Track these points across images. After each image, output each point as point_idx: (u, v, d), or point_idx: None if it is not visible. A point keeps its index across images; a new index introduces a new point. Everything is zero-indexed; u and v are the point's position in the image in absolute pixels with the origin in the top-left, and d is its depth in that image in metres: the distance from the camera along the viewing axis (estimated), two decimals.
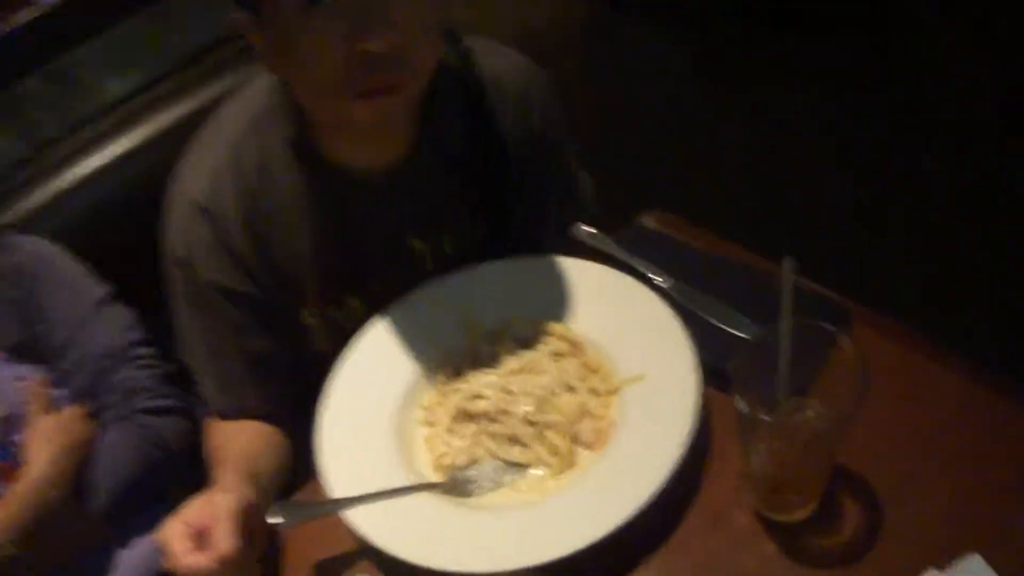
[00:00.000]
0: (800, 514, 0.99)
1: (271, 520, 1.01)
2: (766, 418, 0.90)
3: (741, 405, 0.89)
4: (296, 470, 1.30)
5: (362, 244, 1.26)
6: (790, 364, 0.90)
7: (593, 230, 1.34)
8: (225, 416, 1.36)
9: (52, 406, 1.42)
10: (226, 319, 1.31)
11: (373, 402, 1.17)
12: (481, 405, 1.14)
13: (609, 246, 1.30)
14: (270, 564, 1.09)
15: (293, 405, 1.25)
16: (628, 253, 1.27)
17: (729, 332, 1.14)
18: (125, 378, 1.50)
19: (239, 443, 1.31)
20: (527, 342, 1.20)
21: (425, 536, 1.01)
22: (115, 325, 1.53)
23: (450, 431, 1.14)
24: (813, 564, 0.96)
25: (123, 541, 1.45)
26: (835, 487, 0.99)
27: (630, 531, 0.96)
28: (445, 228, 1.30)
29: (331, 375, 1.20)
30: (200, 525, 1.02)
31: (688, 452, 1.00)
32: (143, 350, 1.54)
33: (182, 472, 1.50)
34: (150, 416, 1.50)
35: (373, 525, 1.03)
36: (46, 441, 1.37)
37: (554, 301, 1.22)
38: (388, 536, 1.01)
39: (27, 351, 1.47)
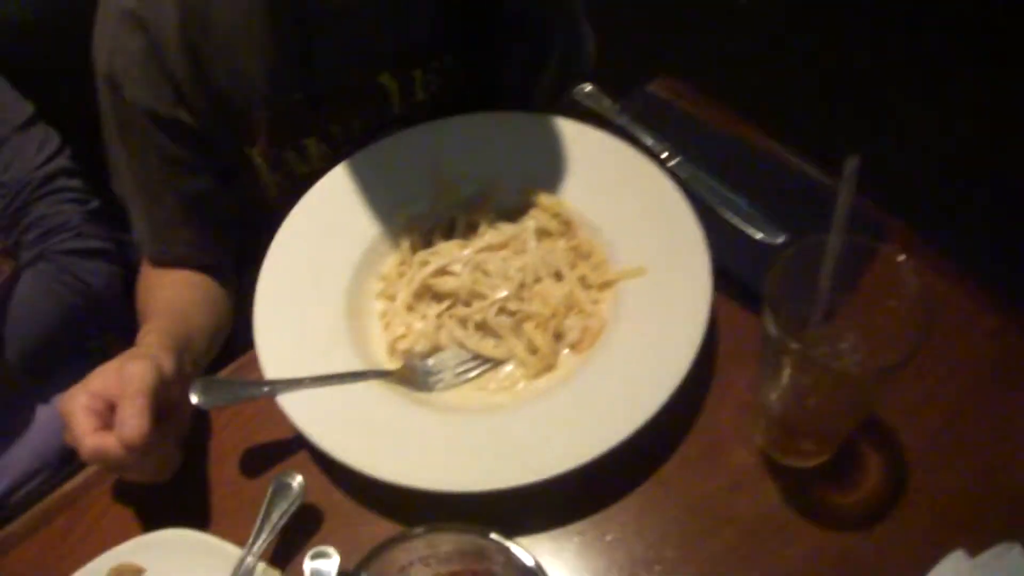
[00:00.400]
0: (812, 461, 0.87)
1: (192, 399, 0.89)
2: (797, 346, 0.73)
3: (771, 327, 0.73)
4: (238, 335, 1.15)
5: (324, 76, 1.11)
6: (831, 287, 0.75)
7: (597, 92, 1.20)
8: (157, 262, 1.22)
9: None
10: (157, 150, 1.14)
11: (322, 265, 1.03)
12: (450, 284, 1.00)
13: (614, 113, 1.16)
14: (193, 450, 0.95)
15: (239, 260, 1.10)
16: (635, 123, 1.13)
17: (745, 233, 1.01)
18: (45, 213, 1.33)
19: (167, 295, 1.16)
20: (510, 214, 1.06)
21: (371, 436, 0.89)
22: (37, 151, 1.34)
23: (410, 309, 1.01)
24: (818, 519, 0.84)
25: (44, 396, 1.33)
26: (855, 435, 0.86)
27: (612, 455, 0.84)
28: (421, 63, 1.15)
29: (278, 229, 1.04)
30: (108, 397, 0.87)
31: (691, 369, 0.86)
32: (69, 182, 1.36)
33: (113, 322, 1.37)
34: (72, 257, 1.34)
35: (311, 417, 0.90)
36: None
37: (546, 169, 1.07)
38: (328, 432, 0.89)
39: None
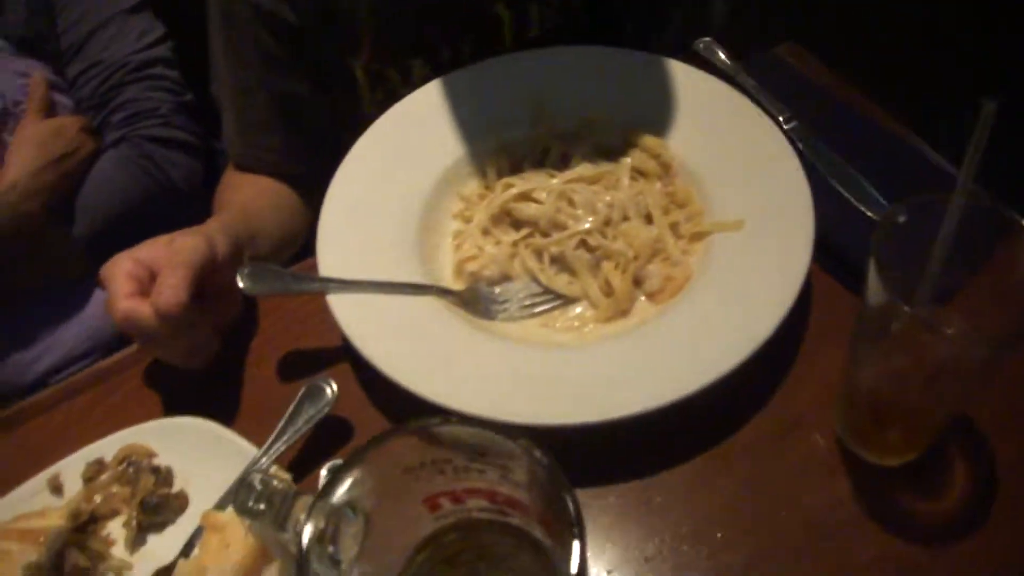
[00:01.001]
0: (895, 459, 0.78)
1: (239, 283, 0.86)
2: (907, 309, 0.65)
3: (876, 289, 0.65)
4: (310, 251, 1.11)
5: None
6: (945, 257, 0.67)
7: (716, 46, 1.14)
8: (241, 165, 1.19)
9: (50, 111, 1.26)
10: (256, 44, 1.11)
11: (401, 175, 0.99)
12: (531, 210, 0.95)
13: (733, 69, 1.11)
14: (232, 344, 0.92)
15: (325, 177, 1.04)
16: (755, 81, 1.08)
17: (856, 208, 0.94)
18: (136, 97, 1.33)
19: (242, 196, 1.14)
20: (608, 151, 1.00)
21: (420, 353, 0.84)
22: (139, 36, 1.34)
23: (486, 233, 0.96)
24: (888, 524, 0.75)
25: None
26: (947, 438, 0.78)
27: (676, 417, 0.77)
28: None
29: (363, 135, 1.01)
30: (154, 265, 0.84)
31: (775, 336, 0.79)
32: (165, 71, 1.36)
33: (186, 220, 1.29)
34: (155, 145, 1.33)
35: (360, 322, 0.85)
36: (34, 146, 1.20)
37: (653, 109, 1.02)
38: (374, 341, 0.84)
39: (37, 46, 1.30)
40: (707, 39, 1.16)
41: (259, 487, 0.60)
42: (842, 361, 0.77)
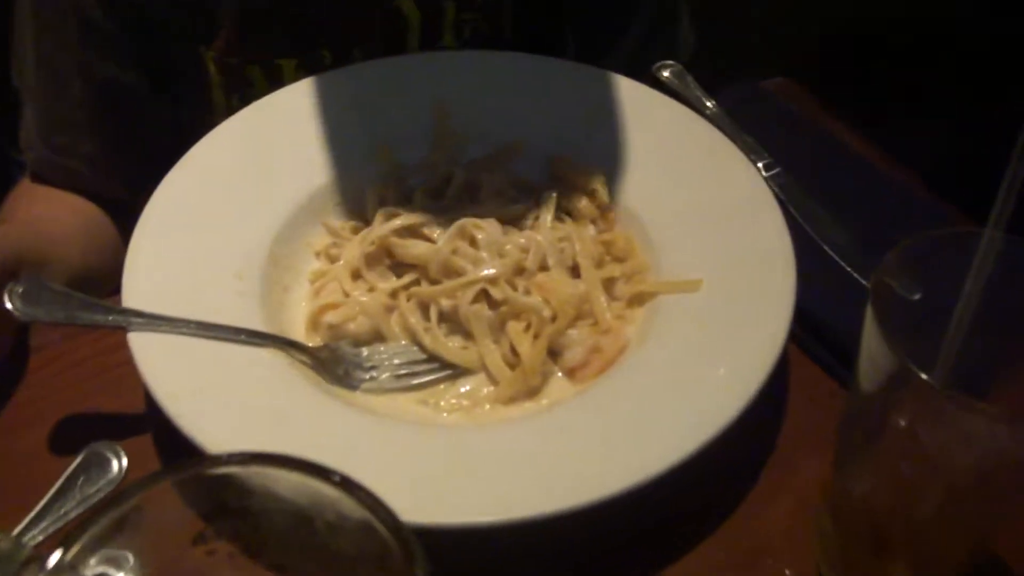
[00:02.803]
0: None
1: (6, 303, 0.81)
2: (925, 377, 0.58)
3: (876, 364, 0.61)
4: None
5: None
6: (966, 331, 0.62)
7: (683, 72, 1.14)
8: (42, 175, 1.13)
9: None
10: (78, 14, 1.06)
11: (249, 193, 0.96)
12: (419, 249, 0.91)
13: (702, 99, 1.10)
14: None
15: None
16: (729, 117, 1.07)
17: (849, 277, 0.93)
18: None
19: (36, 210, 1.08)
20: (528, 185, 0.99)
21: (253, 424, 0.79)
22: None
23: (356, 277, 0.92)
24: None
25: None
26: None
27: (598, 530, 0.76)
28: None
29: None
30: None
31: (731, 434, 0.75)
32: None
33: None
34: None
35: (171, 376, 0.79)
36: None
37: (589, 134, 1.01)
38: (188, 403, 0.78)
39: None
40: (672, 63, 1.14)
41: None
42: (824, 470, 0.73)
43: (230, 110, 1.06)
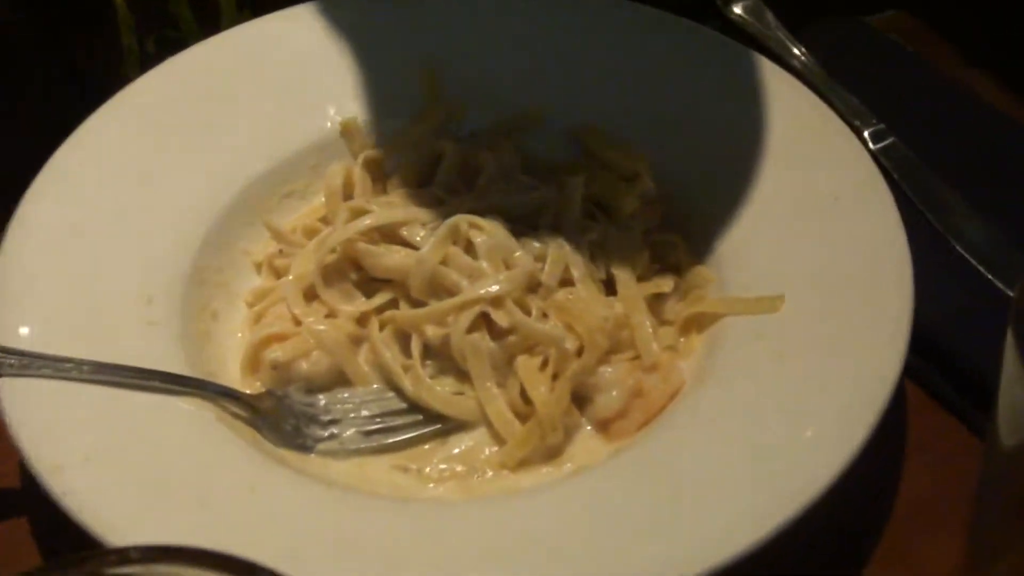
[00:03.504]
0: None
1: None
2: None
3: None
4: None
5: None
6: None
7: (760, 7, 1.19)
8: None
9: None
10: None
11: (163, 183, 0.99)
12: (397, 259, 0.92)
13: (786, 44, 1.14)
14: None
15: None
16: (823, 70, 1.11)
17: (990, 284, 0.96)
18: None
19: None
20: (545, 167, 1.02)
21: (167, 499, 0.80)
22: None
23: (311, 297, 0.94)
24: None
25: None
26: None
27: None
28: None
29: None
30: None
31: (818, 505, 0.76)
32: None
33: None
34: None
35: (52, 436, 0.81)
36: None
37: (635, 99, 1.04)
38: (75, 469, 0.80)
39: None
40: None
41: None
42: (954, 553, 0.77)
43: (144, 62, 1.11)
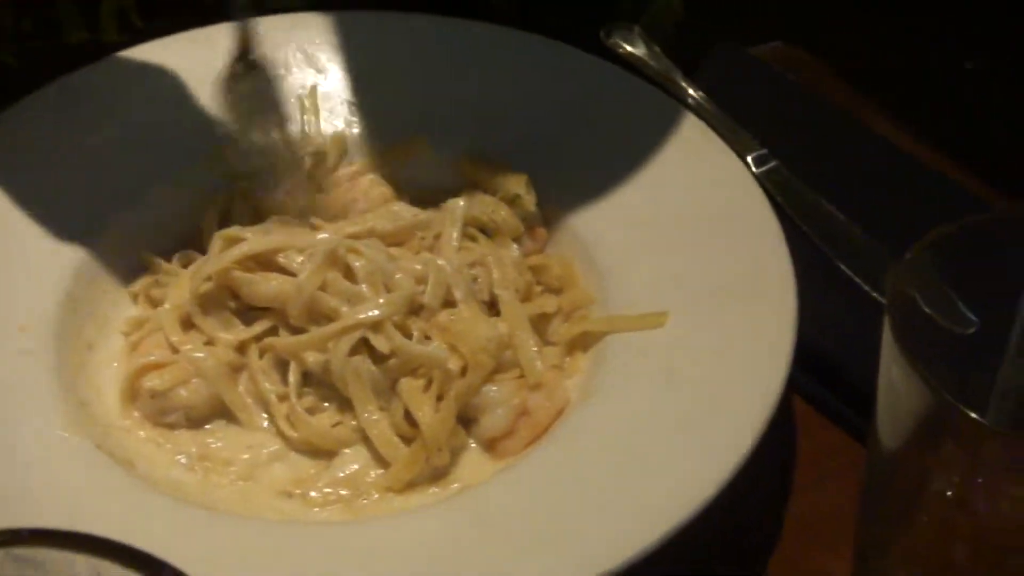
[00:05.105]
0: None
1: None
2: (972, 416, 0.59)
3: (911, 397, 0.61)
4: None
5: None
6: None
7: (639, 35, 1.20)
8: None
9: None
10: None
11: (35, 208, 0.99)
12: (274, 287, 0.92)
13: (673, 74, 1.16)
14: None
15: None
16: (708, 97, 1.12)
17: (863, 294, 0.98)
18: None
19: None
20: (427, 190, 1.03)
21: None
22: None
23: (188, 326, 0.94)
24: None
25: None
26: None
27: None
28: None
29: None
30: None
31: (703, 518, 0.77)
32: None
33: None
34: None
35: None
36: None
37: (514, 122, 1.06)
38: None
39: None
40: (625, 24, 1.19)
41: None
42: (842, 567, 0.77)
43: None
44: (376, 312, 0.90)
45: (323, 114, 1.07)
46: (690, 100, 1.11)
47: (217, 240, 0.96)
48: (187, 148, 1.05)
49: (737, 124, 1.09)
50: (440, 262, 0.94)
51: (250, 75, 1.01)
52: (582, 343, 0.93)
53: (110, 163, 1.02)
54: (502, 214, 0.99)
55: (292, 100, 1.07)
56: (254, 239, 0.95)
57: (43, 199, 0.99)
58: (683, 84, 1.13)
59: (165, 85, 1.07)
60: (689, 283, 0.93)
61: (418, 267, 0.94)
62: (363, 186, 1.02)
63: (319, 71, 1.09)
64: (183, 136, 1.05)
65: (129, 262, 1.00)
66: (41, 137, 1.02)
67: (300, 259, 0.93)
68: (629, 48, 1.18)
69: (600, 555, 0.76)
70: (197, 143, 1.04)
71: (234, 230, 0.97)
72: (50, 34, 1.14)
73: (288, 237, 0.96)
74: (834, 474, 0.90)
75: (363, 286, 0.92)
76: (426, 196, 1.03)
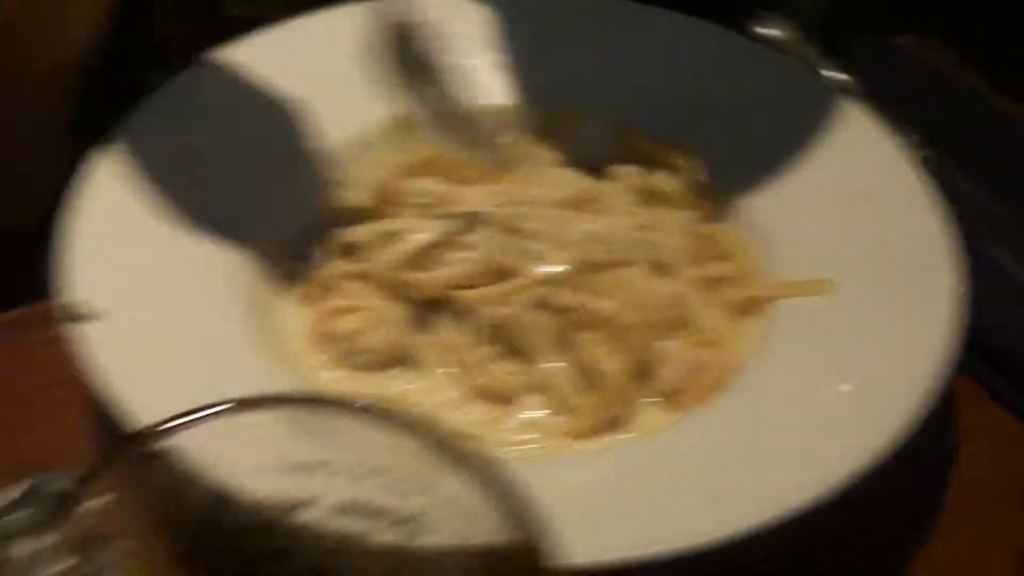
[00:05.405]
0: None
1: None
2: None
3: None
4: None
5: None
6: None
7: (790, 27, 1.21)
8: None
9: None
10: None
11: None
12: (451, 272, 0.94)
13: (821, 60, 1.17)
14: None
15: None
16: (862, 81, 1.13)
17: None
18: None
19: None
20: (598, 157, 1.02)
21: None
22: None
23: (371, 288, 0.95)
24: None
25: None
26: None
27: None
28: None
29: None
30: None
31: (879, 472, 0.77)
32: None
33: None
34: None
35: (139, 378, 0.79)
36: None
37: (675, 101, 1.05)
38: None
39: None
40: (769, 13, 1.19)
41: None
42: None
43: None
44: (557, 268, 0.91)
45: (488, 85, 1.06)
46: (841, 86, 1.10)
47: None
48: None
49: (893, 110, 1.08)
50: (613, 227, 0.95)
51: (414, 40, 1.00)
52: (751, 308, 0.93)
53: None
54: (671, 182, 1.00)
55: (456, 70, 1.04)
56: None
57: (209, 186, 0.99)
58: (832, 71, 1.14)
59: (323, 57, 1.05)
60: (852, 255, 0.93)
61: (592, 227, 0.95)
62: (533, 153, 1.02)
63: (480, 46, 1.09)
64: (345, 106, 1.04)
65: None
66: (203, 107, 1.03)
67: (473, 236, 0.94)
68: (777, 34, 1.18)
69: (788, 493, 0.76)
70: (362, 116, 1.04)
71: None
72: (210, 6, 1.14)
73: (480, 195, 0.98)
74: (996, 445, 0.91)
75: (541, 244, 0.93)
76: (595, 163, 1.03)
